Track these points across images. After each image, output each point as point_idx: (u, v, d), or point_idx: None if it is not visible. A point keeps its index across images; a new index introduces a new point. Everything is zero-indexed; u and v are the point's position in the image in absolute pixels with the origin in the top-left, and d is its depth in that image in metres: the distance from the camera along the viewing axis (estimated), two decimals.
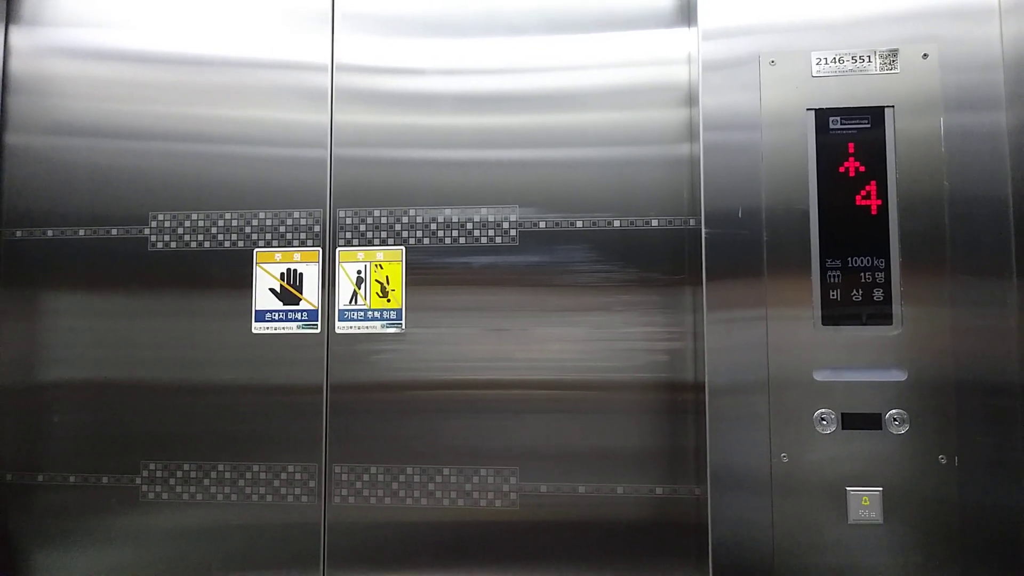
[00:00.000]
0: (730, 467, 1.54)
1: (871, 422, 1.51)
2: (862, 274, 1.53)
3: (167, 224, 1.86)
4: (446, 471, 1.76)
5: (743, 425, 1.54)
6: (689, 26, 1.78)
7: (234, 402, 1.81)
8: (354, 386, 1.79)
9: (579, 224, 1.77)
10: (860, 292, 1.53)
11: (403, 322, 1.79)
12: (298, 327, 1.81)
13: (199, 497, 1.81)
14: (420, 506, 1.76)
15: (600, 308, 1.75)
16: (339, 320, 1.80)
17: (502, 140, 1.81)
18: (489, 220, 1.79)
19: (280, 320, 1.81)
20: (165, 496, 1.82)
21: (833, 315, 1.54)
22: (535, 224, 1.78)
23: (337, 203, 1.83)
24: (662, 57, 1.79)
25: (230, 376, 1.82)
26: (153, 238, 1.86)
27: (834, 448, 1.51)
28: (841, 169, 1.55)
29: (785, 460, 1.53)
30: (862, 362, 1.52)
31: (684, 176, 1.76)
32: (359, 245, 1.82)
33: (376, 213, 1.82)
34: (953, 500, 1.48)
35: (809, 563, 1.51)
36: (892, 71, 1.56)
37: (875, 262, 1.53)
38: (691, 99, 1.76)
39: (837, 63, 1.57)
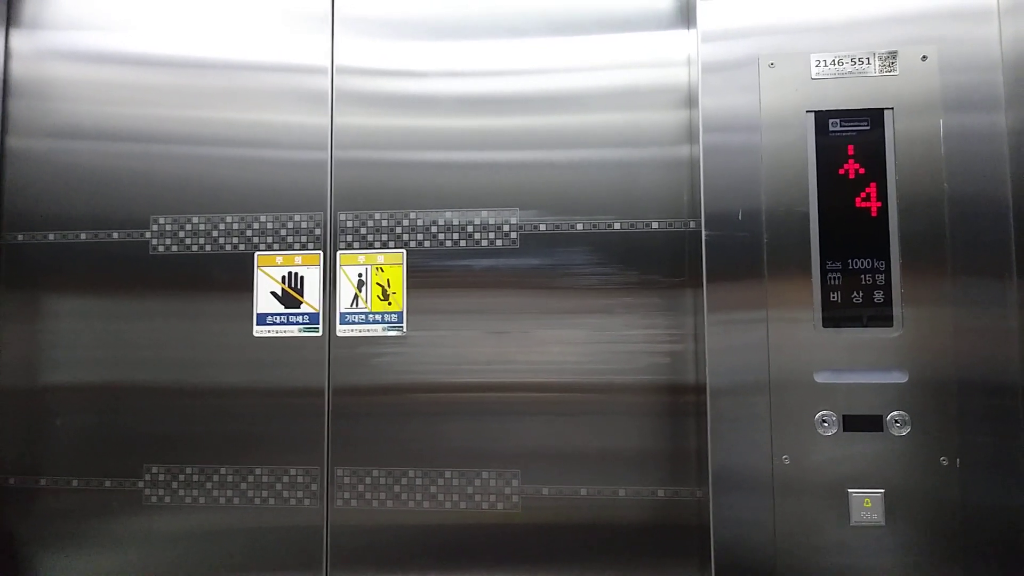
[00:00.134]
0: (731, 469, 1.54)
1: (872, 424, 1.51)
2: (862, 276, 1.54)
3: (168, 227, 1.86)
4: (448, 474, 1.77)
5: (744, 427, 1.54)
6: (688, 28, 1.78)
7: (236, 405, 1.81)
8: (356, 389, 1.79)
9: (579, 226, 1.77)
10: (860, 294, 1.53)
11: (404, 325, 1.79)
12: (299, 330, 1.81)
13: (202, 500, 1.81)
14: (422, 509, 1.77)
15: (601, 310, 1.75)
16: (340, 323, 1.80)
17: (502, 142, 1.81)
18: (490, 223, 1.79)
19: (281, 323, 1.81)
20: (168, 499, 1.82)
21: (834, 317, 1.54)
22: (536, 226, 1.78)
23: (338, 206, 1.83)
24: (661, 59, 1.80)
25: (232, 379, 1.82)
26: (154, 241, 1.86)
27: (835, 450, 1.52)
28: (841, 171, 1.55)
29: (786, 462, 1.53)
30: (863, 364, 1.52)
31: (684, 178, 1.76)
32: (360, 248, 1.82)
33: (377, 216, 1.82)
34: (955, 501, 1.48)
35: (811, 565, 1.51)
36: (891, 73, 1.56)
37: (875, 264, 1.53)
38: (691, 101, 1.76)
39: (836, 65, 1.57)
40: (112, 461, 1.84)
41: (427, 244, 1.81)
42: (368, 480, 1.78)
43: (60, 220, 1.89)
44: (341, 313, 1.81)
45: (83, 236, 1.88)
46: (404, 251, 1.81)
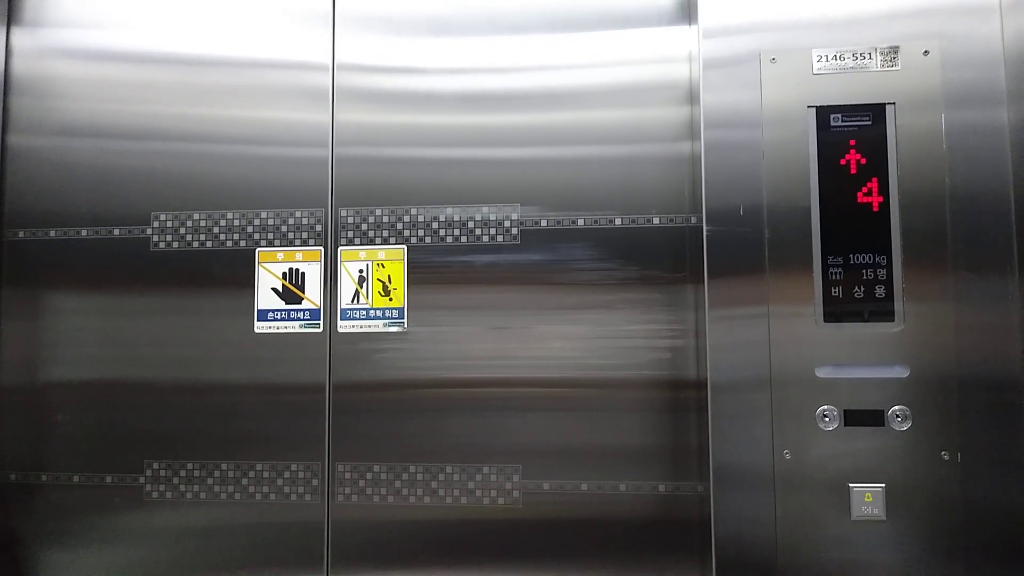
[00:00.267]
0: (733, 464, 1.54)
1: (873, 419, 1.51)
2: (864, 271, 1.53)
3: (169, 224, 1.86)
4: (449, 469, 1.77)
5: (745, 422, 1.54)
6: (690, 24, 1.78)
7: (237, 401, 1.81)
8: (356, 385, 1.79)
9: (580, 222, 1.77)
10: (862, 289, 1.53)
11: (405, 321, 1.79)
12: (300, 326, 1.81)
13: (203, 496, 1.81)
14: (423, 504, 1.77)
15: (602, 306, 1.75)
16: (341, 319, 1.81)
17: (503, 139, 1.81)
18: (491, 219, 1.79)
19: (282, 319, 1.82)
20: (169, 495, 1.82)
21: (835, 312, 1.54)
22: (537, 222, 1.78)
23: (339, 202, 1.83)
24: (663, 55, 1.80)
25: (233, 375, 1.82)
26: (155, 238, 1.86)
27: (837, 445, 1.52)
28: (842, 166, 1.55)
29: (788, 457, 1.53)
30: (864, 359, 1.52)
31: (685, 174, 1.76)
32: (361, 244, 1.82)
33: (378, 212, 1.82)
34: (956, 496, 1.48)
35: (812, 559, 1.51)
36: (893, 68, 1.56)
37: (877, 259, 1.53)
38: (692, 97, 1.76)
39: (838, 60, 1.57)
40: (113, 457, 1.84)
41: (428, 240, 1.81)
42: (369, 476, 1.78)
43: (61, 217, 1.89)
44: (342, 309, 1.81)
45: (84, 233, 1.88)
46: (405, 247, 1.81)
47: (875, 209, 1.54)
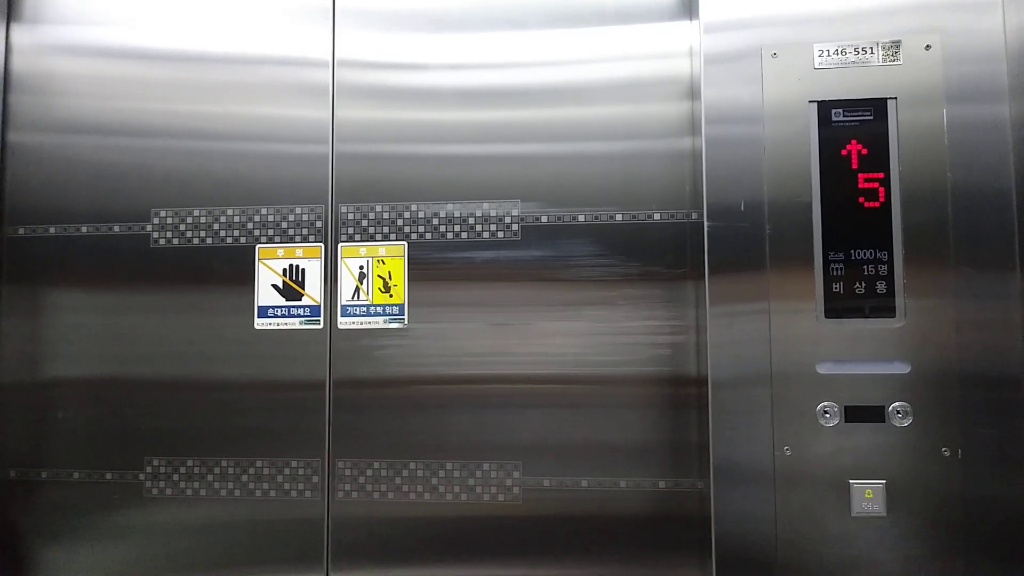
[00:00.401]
0: (733, 460, 1.54)
1: (874, 415, 1.50)
2: (865, 266, 1.53)
3: (169, 221, 1.86)
4: (449, 466, 1.77)
5: (746, 418, 1.54)
6: (691, 19, 1.77)
7: (237, 398, 1.81)
8: (357, 381, 1.79)
9: (581, 218, 1.77)
10: (863, 285, 1.53)
11: (405, 317, 1.79)
12: (301, 323, 1.81)
13: (203, 493, 1.81)
14: (423, 501, 1.77)
15: (602, 302, 1.75)
16: (341, 315, 1.80)
17: (504, 135, 1.81)
18: (491, 215, 1.79)
19: (283, 316, 1.81)
20: (169, 492, 1.82)
21: (836, 308, 1.53)
22: (537, 218, 1.78)
23: (339, 199, 1.83)
24: (663, 50, 1.79)
25: (233, 372, 1.82)
26: (155, 235, 1.86)
27: (837, 441, 1.51)
28: (843, 161, 1.55)
29: (788, 453, 1.53)
30: (865, 355, 1.52)
31: (686, 169, 1.75)
32: (361, 240, 1.82)
33: (378, 208, 1.82)
34: (956, 493, 1.48)
35: (812, 556, 1.51)
36: (895, 63, 1.55)
37: (878, 254, 1.53)
38: (693, 92, 1.75)
39: (839, 55, 1.56)
40: (113, 454, 1.84)
41: (428, 236, 1.80)
42: (369, 472, 1.78)
43: (61, 213, 1.89)
44: (342, 305, 1.81)
45: (84, 229, 1.88)
46: (405, 243, 1.81)
47: (876, 204, 1.53)
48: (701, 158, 1.61)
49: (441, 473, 1.77)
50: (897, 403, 1.50)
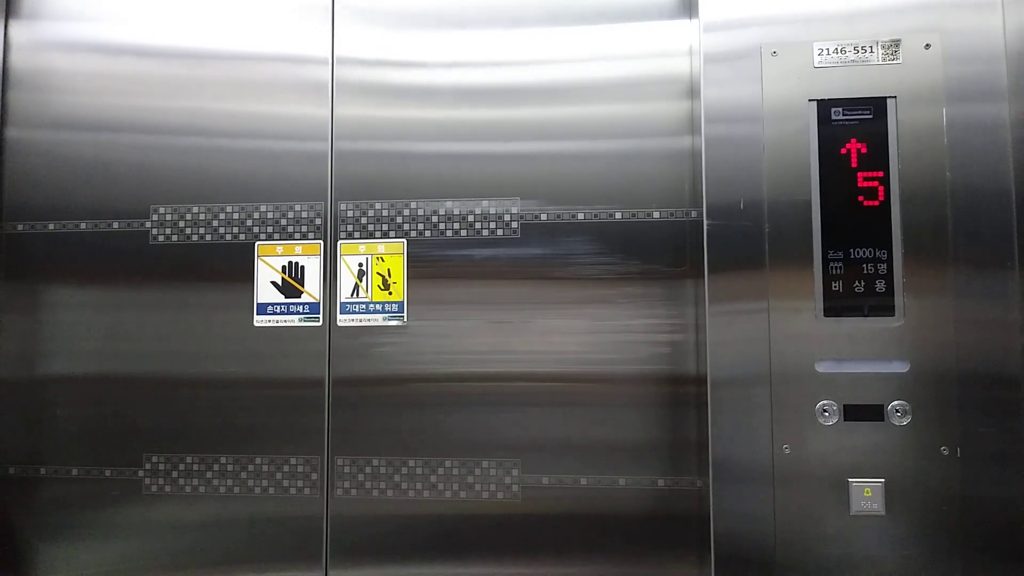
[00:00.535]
0: (732, 459, 1.54)
1: (873, 413, 1.51)
2: (864, 265, 1.53)
3: (168, 217, 1.86)
4: (448, 463, 1.77)
5: (745, 417, 1.54)
6: (690, 18, 1.77)
7: (236, 395, 1.81)
8: (356, 379, 1.79)
9: (580, 216, 1.77)
10: (862, 283, 1.53)
11: (405, 315, 1.79)
12: (300, 320, 1.81)
13: (202, 490, 1.81)
14: (422, 498, 1.77)
15: (602, 300, 1.75)
16: (341, 313, 1.80)
17: (503, 132, 1.81)
18: (491, 212, 1.79)
19: (282, 313, 1.81)
20: (168, 489, 1.82)
21: (835, 307, 1.54)
22: (536, 216, 1.78)
23: (338, 196, 1.83)
24: (663, 49, 1.79)
25: (232, 369, 1.82)
26: (154, 231, 1.86)
27: (836, 439, 1.51)
28: (843, 160, 1.55)
29: (787, 452, 1.53)
30: (864, 353, 1.52)
31: (686, 168, 1.75)
32: (360, 238, 1.82)
33: (377, 206, 1.82)
34: (955, 491, 1.48)
35: (811, 554, 1.51)
36: (894, 62, 1.55)
37: (877, 253, 1.53)
38: (692, 91, 1.75)
39: (839, 54, 1.57)
40: (112, 450, 1.84)
41: (428, 234, 1.80)
42: (368, 470, 1.78)
43: (60, 210, 1.89)
44: (342, 303, 1.81)
45: (83, 226, 1.88)
46: (405, 241, 1.81)
47: (876, 203, 1.53)
48: (701, 157, 1.61)
49: (440, 471, 1.77)
50: (896, 402, 1.50)
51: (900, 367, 1.51)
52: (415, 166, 1.82)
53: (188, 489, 1.82)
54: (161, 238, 1.86)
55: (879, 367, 1.51)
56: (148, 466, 1.83)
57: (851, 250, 1.54)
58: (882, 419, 1.50)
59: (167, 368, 1.83)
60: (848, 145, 1.55)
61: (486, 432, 1.76)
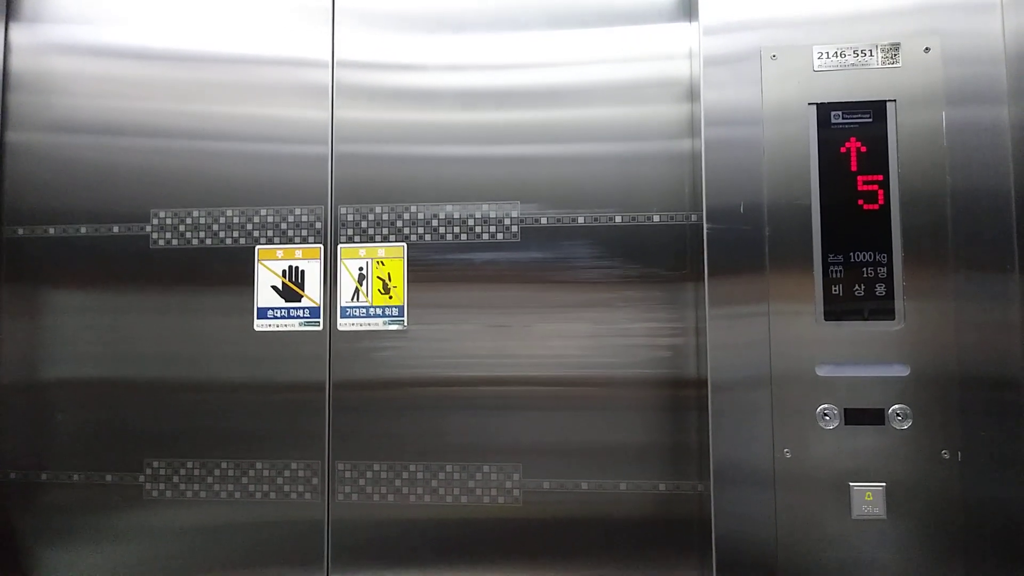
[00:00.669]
0: (733, 463, 1.54)
1: (874, 417, 1.51)
2: (864, 269, 1.53)
3: (168, 221, 1.86)
4: (449, 468, 1.77)
5: (746, 421, 1.54)
6: (690, 21, 1.77)
7: (236, 399, 1.81)
8: (356, 383, 1.79)
9: (581, 220, 1.77)
10: (862, 287, 1.53)
11: (405, 319, 1.79)
12: (300, 324, 1.81)
13: (202, 495, 1.81)
14: (423, 503, 1.77)
15: (602, 304, 1.75)
16: (341, 317, 1.80)
17: (503, 136, 1.80)
18: (491, 216, 1.79)
19: (282, 317, 1.81)
20: (168, 494, 1.82)
21: (835, 310, 1.53)
22: (536, 220, 1.78)
23: (339, 200, 1.83)
24: (663, 52, 1.79)
25: (232, 373, 1.82)
26: (155, 235, 1.86)
27: (837, 443, 1.51)
28: (843, 164, 1.55)
29: (788, 456, 1.53)
30: (865, 357, 1.52)
31: (685, 171, 1.75)
32: (361, 242, 1.82)
33: (378, 210, 1.82)
34: (956, 495, 1.48)
35: (812, 558, 1.51)
36: (894, 65, 1.55)
37: (877, 257, 1.53)
38: (692, 94, 1.75)
39: (839, 57, 1.56)
40: (113, 455, 1.84)
41: (428, 238, 1.80)
42: (369, 474, 1.78)
43: (60, 214, 1.89)
44: (342, 307, 1.81)
45: (83, 230, 1.88)
46: (405, 245, 1.81)
47: (876, 207, 1.53)
48: (700, 160, 1.61)
49: (441, 475, 1.77)
50: (897, 405, 1.50)
51: (901, 371, 1.51)
52: (415, 169, 1.82)
53: (189, 494, 1.82)
54: (161, 242, 1.86)
55: (880, 371, 1.51)
56: (149, 471, 1.83)
57: (851, 253, 1.54)
58: (883, 423, 1.50)
59: (167, 372, 1.83)
60: (848, 148, 1.55)
61: (487, 436, 1.76)
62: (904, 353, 1.51)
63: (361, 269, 1.81)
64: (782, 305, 1.54)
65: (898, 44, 1.55)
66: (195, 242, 1.85)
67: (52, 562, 1.85)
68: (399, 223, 1.81)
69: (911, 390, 1.50)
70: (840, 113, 1.56)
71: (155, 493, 1.83)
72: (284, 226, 1.83)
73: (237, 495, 1.80)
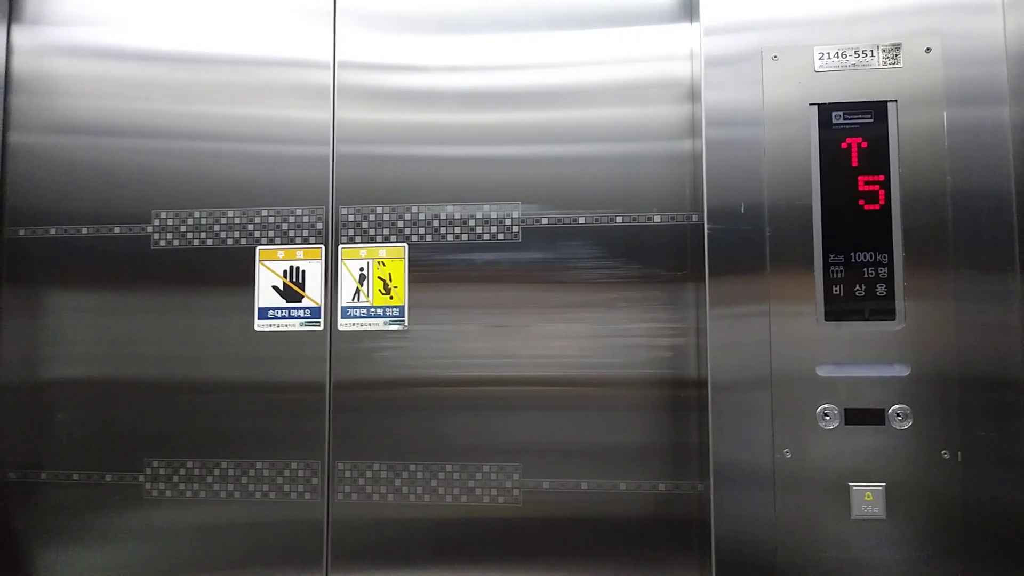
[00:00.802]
0: (733, 463, 1.54)
1: (874, 417, 1.50)
2: (865, 269, 1.53)
3: (170, 222, 1.86)
4: (449, 468, 1.77)
5: (746, 421, 1.54)
6: (691, 21, 1.78)
7: (237, 399, 1.81)
8: (357, 383, 1.79)
9: (581, 220, 1.77)
10: (863, 287, 1.53)
11: (406, 319, 1.79)
12: (301, 324, 1.81)
13: (202, 495, 1.81)
14: (423, 503, 1.77)
15: (602, 304, 1.75)
16: (342, 317, 1.80)
17: (504, 136, 1.81)
18: (492, 217, 1.79)
19: (283, 317, 1.81)
20: (168, 494, 1.82)
21: (836, 310, 1.53)
22: (537, 220, 1.78)
23: (340, 200, 1.83)
24: (664, 53, 1.79)
25: (233, 373, 1.82)
26: (156, 236, 1.86)
27: (837, 443, 1.51)
28: (844, 164, 1.55)
29: (788, 456, 1.52)
30: (865, 357, 1.52)
31: (686, 172, 1.75)
32: (362, 242, 1.82)
33: (379, 210, 1.82)
34: (956, 495, 1.48)
35: (812, 558, 1.50)
36: (895, 65, 1.55)
37: (878, 257, 1.53)
38: (693, 95, 1.76)
39: (840, 57, 1.57)
40: (113, 455, 1.84)
41: (429, 238, 1.80)
42: (369, 474, 1.78)
43: (62, 215, 1.89)
44: (343, 307, 1.81)
45: (85, 231, 1.88)
46: (406, 245, 1.81)
47: (877, 207, 1.53)
48: (701, 160, 1.61)
49: (441, 475, 1.77)
50: (897, 406, 1.50)
51: (901, 371, 1.51)
52: (416, 170, 1.82)
53: (189, 494, 1.82)
54: (163, 242, 1.86)
55: (880, 371, 1.51)
56: (149, 471, 1.83)
57: (852, 254, 1.53)
58: (883, 423, 1.50)
59: (168, 372, 1.83)
60: (849, 149, 1.55)
61: (487, 436, 1.76)
62: (904, 353, 1.51)
63: (362, 269, 1.81)
64: (783, 305, 1.54)
65: (899, 44, 1.55)
66: (196, 243, 1.86)
67: (52, 562, 1.85)
68: (400, 223, 1.81)
69: (911, 390, 1.50)
70: (841, 113, 1.56)
71: (155, 493, 1.83)
72: (285, 227, 1.84)
73: (237, 495, 1.80)
